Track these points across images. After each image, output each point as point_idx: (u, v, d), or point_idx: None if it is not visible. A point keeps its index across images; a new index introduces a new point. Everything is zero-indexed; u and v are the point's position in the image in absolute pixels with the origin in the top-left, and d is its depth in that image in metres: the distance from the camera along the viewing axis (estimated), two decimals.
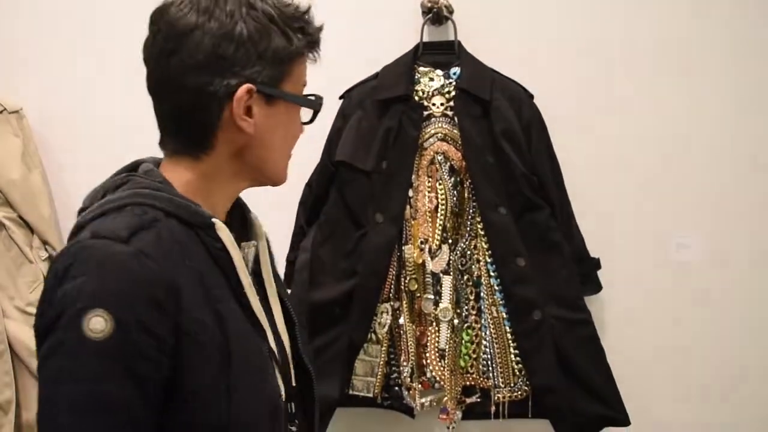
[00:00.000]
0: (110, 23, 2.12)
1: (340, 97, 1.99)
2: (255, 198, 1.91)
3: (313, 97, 0.99)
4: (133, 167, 0.94)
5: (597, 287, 2.00)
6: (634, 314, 2.05)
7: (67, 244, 0.85)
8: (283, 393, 0.95)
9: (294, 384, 1.00)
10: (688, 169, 2.03)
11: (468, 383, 1.95)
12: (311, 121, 1.00)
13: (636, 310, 2.06)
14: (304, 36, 0.94)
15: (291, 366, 1.00)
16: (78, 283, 0.78)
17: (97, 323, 0.77)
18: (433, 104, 1.93)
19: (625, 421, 1.88)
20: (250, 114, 0.91)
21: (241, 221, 1.02)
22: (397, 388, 1.95)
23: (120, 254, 0.80)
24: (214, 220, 0.89)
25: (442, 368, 1.89)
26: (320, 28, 0.97)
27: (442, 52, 1.97)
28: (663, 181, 2.04)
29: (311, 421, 1.06)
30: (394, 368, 1.95)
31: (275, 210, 1.97)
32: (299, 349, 1.03)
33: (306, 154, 1.92)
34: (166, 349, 0.80)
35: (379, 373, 1.92)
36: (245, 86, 0.89)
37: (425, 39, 1.98)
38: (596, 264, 2.00)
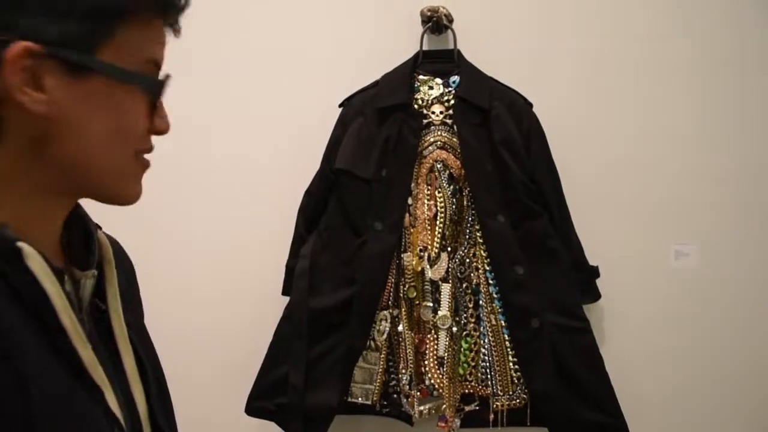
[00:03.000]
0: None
1: (340, 105, 2.00)
2: (252, 206, 1.92)
3: (154, 77, 0.71)
4: None
5: (596, 295, 2.01)
6: (633, 322, 2.06)
7: None
8: None
9: None
10: (687, 177, 2.04)
11: (466, 391, 1.96)
12: (154, 110, 0.72)
13: (635, 319, 2.07)
14: None
15: (146, 429, 0.76)
16: None
17: None
18: (433, 112, 1.94)
19: (623, 430, 1.88)
20: (41, 88, 0.64)
21: (86, 245, 0.76)
22: (395, 395, 1.96)
23: None
24: (20, 244, 0.63)
25: (440, 376, 1.90)
26: None
27: (441, 61, 1.98)
28: (662, 189, 2.05)
29: None
30: (392, 376, 1.96)
31: (274, 217, 2.08)
32: (154, 408, 0.78)
33: (306, 161, 2.00)
34: None
35: (378, 380, 1.93)
36: (22, 44, 0.61)
37: (425, 48, 2.00)
38: (595, 272, 2.01)
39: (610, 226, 2.04)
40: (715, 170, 2.04)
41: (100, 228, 0.81)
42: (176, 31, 0.72)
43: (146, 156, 0.74)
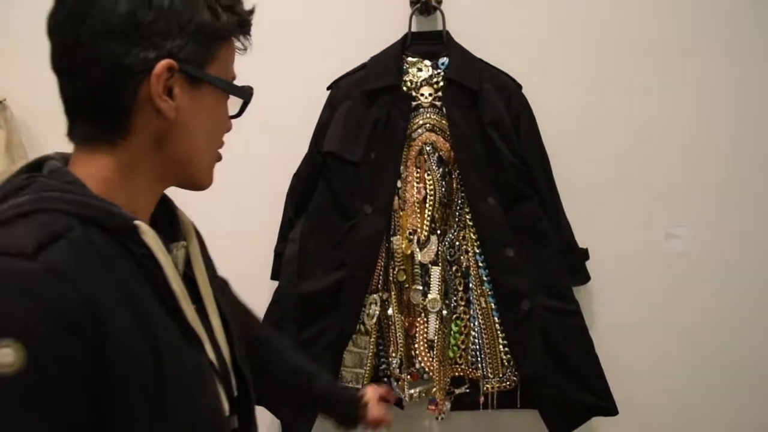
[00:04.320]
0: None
1: (328, 88, 1.97)
2: (241, 189, 1.88)
3: (246, 86, 0.88)
4: (36, 166, 0.81)
5: (585, 277, 2.00)
6: (623, 305, 2.05)
7: None
8: (226, 407, 0.87)
9: (236, 394, 0.91)
10: (678, 158, 2.03)
11: (457, 374, 1.95)
12: (239, 113, 0.88)
13: (624, 301, 2.06)
14: (233, 15, 0.83)
15: (232, 375, 0.90)
16: None
17: (5, 356, 0.64)
18: (422, 95, 1.92)
19: (613, 411, 1.88)
20: (170, 96, 0.79)
21: (168, 220, 0.90)
22: (386, 379, 1.95)
23: (23, 273, 0.67)
24: (137, 222, 0.77)
25: (430, 359, 1.89)
26: (251, 11, 0.87)
27: (430, 43, 1.95)
28: (653, 170, 2.03)
29: (248, 423, 0.95)
30: (382, 359, 1.95)
31: (262, 201, 2.06)
32: (236, 357, 0.92)
33: (294, 145, 1.97)
34: (87, 383, 0.68)
35: (368, 364, 1.92)
36: (165, 61, 0.77)
37: (413, 29, 1.97)
38: (585, 254, 2.00)
39: (600, 208, 2.03)
40: (707, 151, 2.02)
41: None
42: (245, 49, 0.88)
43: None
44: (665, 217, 2.05)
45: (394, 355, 1.91)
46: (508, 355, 1.88)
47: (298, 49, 2.07)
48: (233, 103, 0.87)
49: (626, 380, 1.99)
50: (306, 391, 1.25)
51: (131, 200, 0.80)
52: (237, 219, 2.08)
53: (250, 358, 0.99)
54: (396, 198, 1.90)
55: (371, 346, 1.92)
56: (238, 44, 0.87)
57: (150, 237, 0.78)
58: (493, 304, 1.89)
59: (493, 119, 1.86)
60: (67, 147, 0.85)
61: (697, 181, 2.04)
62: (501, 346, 1.88)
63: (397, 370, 1.91)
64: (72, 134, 0.82)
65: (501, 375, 1.89)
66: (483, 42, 1.97)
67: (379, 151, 1.88)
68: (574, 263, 1.97)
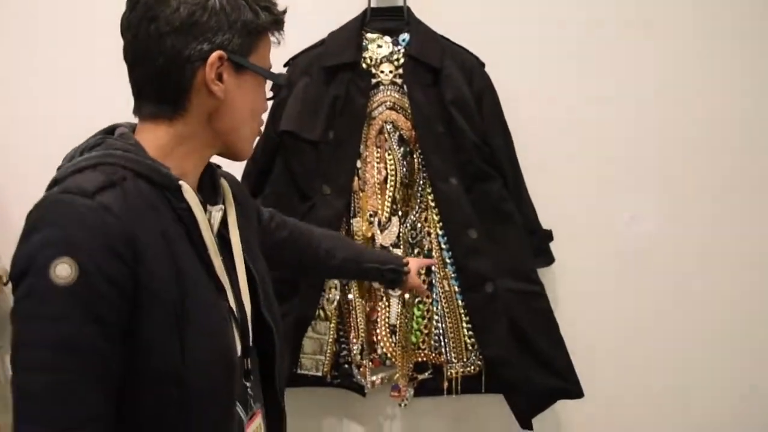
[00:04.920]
0: (71, 21, 1.97)
1: (285, 65, 1.90)
2: None
3: (281, 74, 1.07)
4: (110, 131, 1.01)
5: (550, 259, 1.97)
6: (588, 286, 2.03)
7: (41, 198, 0.90)
8: (239, 349, 1.01)
9: (251, 342, 1.06)
10: (643, 139, 2.00)
11: (420, 359, 1.91)
12: (274, 96, 1.07)
13: (589, 283, 2.04)
14: (270, 14, 1.01)
15: (249, 324, 1.06)
16: (46, 233, 0.86)
17: (63, 270, 0.83)
18: (382, 72, 1.86)
19: (578, 393, 1.86)
20: (221, 80, 0.97)
21: (213, 186, 1.07)
22: (347, 365, 1.90)
23: (83, 207, 0.86)
24: (181, 182, 0.96)
25: (393, 344, 1.85)
26: (284, 11, 1.05)
27: (390, 18, 1.89)
28: (617, 151, 2.01)
29: (272, 374, 1.13)
30: (343, 346, 1.90)
31: None
32: (261, 307, 1.09)
33: None
34: (125, 296, 0.87)
35: (328, 350, 1.87)
36: (217, 52, 0.95)
37: (373, 4, 1.90)
38: (548, 236, 1.97)
39: (564, 189, 2.00)
40: (673, 131, 2.00)
41: (219, 168, 1.13)
42: (278, 42, 1.06)
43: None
44: (631, 197, 2.03)
45: (355, 340, 1.87)
46: (472, 339, 1.84)
47: (274, 40, 1.98)
48: (269, 87, 1.06)
49: (591, 362, 1.97)
50: (357, 273, 1.62)
51: (181, 164, 0.98)
52: None
53: (311, 266, 1.47)
54: (356, 178, 1.85)
55: (331, 332, 1.87)
56: (273, 38, 1.04)
57: (190, 195, 0.97)
58: (456, 287, 1.85)
59: (454, 98, 1.81)
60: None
61: (664, 160, 2.02)
62: (465, 330, 1.85)
63: (359, 357, 1.86)
64: (139, 112, 1.00)
65: (465, 359, 1.85)
66: (445, 18, 1.92)
67: (338, 129, 1.82)
68: (538, 245, 1.95)
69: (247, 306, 1.06)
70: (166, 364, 0.90)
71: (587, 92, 2.00)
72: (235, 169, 1.86)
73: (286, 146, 1.85)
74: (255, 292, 1.09)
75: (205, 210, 1.00)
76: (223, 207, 1.06)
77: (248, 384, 1.06)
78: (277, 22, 1.03)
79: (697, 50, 2.00)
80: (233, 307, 1.02)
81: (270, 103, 1.10)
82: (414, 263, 1.59)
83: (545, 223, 1.97)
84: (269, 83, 1.07)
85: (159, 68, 0.96)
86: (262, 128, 1.10)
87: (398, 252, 1.84)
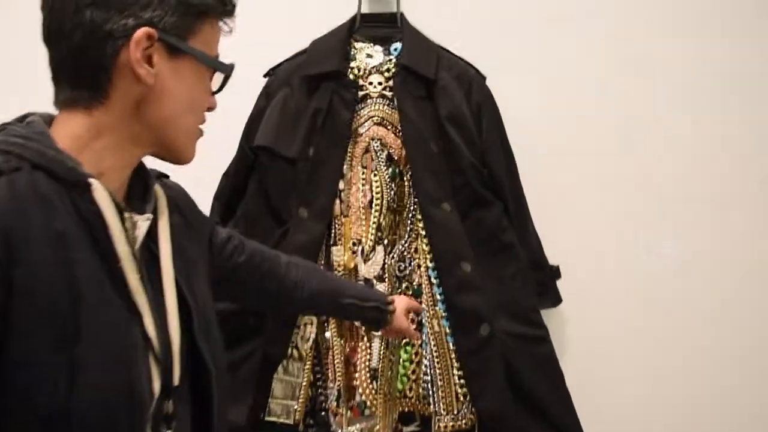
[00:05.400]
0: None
1: (265, 75, 1.76)
2: None
3: (227, 62, 0.94)
4: (21, 119, 0.90)
5: (556, 299, 1.79)
6: (599, 331, 1.85)
7: None
8: (157, 388, 0.87)
9: (179, 382, 0.90)
10: (663, 166, 1.85)
11: (405, 409, 1.70)
12: (220, 88, 0.95)
13: (601, 327, 1.85)
14: None
15: (176, 361, 0.90)
16: None
17: None
18: (370, 83, 1.70)
19: None
20: (150, 63, 0.86)
21: (143, 191, 0.94)
22: (323, 413, 1.70)
23: None
24: (91, 180, 0.83)
25: (373, 391, 1.64)
26: None
27: (382, 26, 1.74)
28: (632, 178, 1.85)
29: (208, 424, 0.96)
30: (320, 390, 1.70)
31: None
32: (196, 340, 0.94)
33: (224, 140, 1.72)
34: None
35: (302, 395, 1.67)
36: (145, 29, 0.84)
37: (364, 10, 1.76)
38: (555, 272, 1.79)
39: (574, 219, 1.84)
40: (695, 155, 1.84)
41: (166, 177, 1.02)
42: (230, 30, 0.94)
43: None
44: (648, 230, 1.86)
45: (331, 385, 1.67)
46: (464, 389, 1.63)
47: (234, 32, 1.82)
48: (217, 81, 0.94)
49: (603, 422, 1.77)
50: (332, 310, 1.43)
51: (98, 160, 0.86)
52: None
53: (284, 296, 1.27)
54: (337, 201, 1.67)
55: (306, 374, 1.67)
56: (223, 26, 0.93)
57: (101, 196, 0.83)
58: (447, 328, 1.64)
59: (450, 113, 1.65)
60: None
61: (684, 188, 1.85)
62: (456, 378, 1.64)
63: (335, 404, 1.66)
64: (57, 100, 0.89)
65: (456, 411, 1.64)
66: (442, 27, 1.78)
67: (319, 146, 1.65)
68: (543, 282, 1.77)
69: (174, 337, 0.91)
70: (48, 395, 0.76)
71: (603, 113, 1.84)
72: (209, 187, 1.76)
73: (261, 164, 1.70)
74: (189, 321, 0.94)
75: (123, 217, 0.86)
76: (151, 217, 0.91)
77: None
78: (223, 2, 0.92)
79: (720, 66, 1.84)
80: (152, 335, 0.87)
81: (217, 99, 0.97)
82: (401, 303, 1.44)
83: (552, 257, 1.80)
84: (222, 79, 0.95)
85: (75, 45, 0.84)
86: (203, 126, 0.95)
87: (383, 287, 1.65)
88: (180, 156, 0.93)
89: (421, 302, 1.66)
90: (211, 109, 0.95)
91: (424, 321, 1.66)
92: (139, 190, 0.94)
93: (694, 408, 1.85)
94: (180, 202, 1.01)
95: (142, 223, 0.89)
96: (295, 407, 1.66)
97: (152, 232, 0.91)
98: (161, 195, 0.96)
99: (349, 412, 1.66)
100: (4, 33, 1.87)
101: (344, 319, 1.62)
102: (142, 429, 0.84)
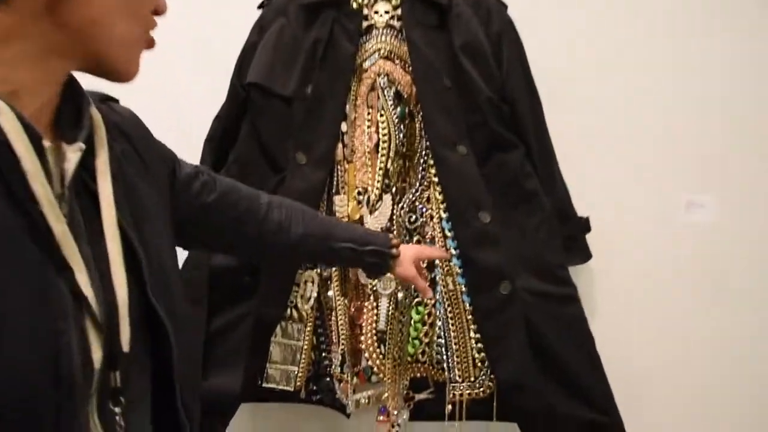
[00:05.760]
0: None
1: (259, 6, 1.59)
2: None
3: None
4: None
5: (585, 255, 1.62)
6: (632, 290, 1.70)
7: None
8: (97, 359, 0.70)
9: (127, 349, 0.73)
10: (707, 111, 1.68)
11: (418, 374, 1.55)
12: None
13: (634, 286, 1.71)
14: None
15: (124, 323, 0.73)
16: None
17: None
18: (376, 12, 1.51)
19: (618, 429, 1.46)
20: None
21: (76, 117, 0.76)
22: (327, 379, 1.57)
23: None
24: None
25: (380, 356, 1.49)
26: None
27: None
28: (671, 127, 1.68)
29: (170, 393, 0.81)
30: (324, 354, 1.57)
31: (180, 151, 1.61)
32: (149, 296, 0.77)
33: (220, 80, 1.57)
34: None
35: (303, 359, 1.53)
36: None
37: None
38: (584, 225, 1.61)
39: (604, 167, 1.70)
40: (736, 107, 1.68)
41: (113, 101, 0.86)
42: None
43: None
44: (686, 180, 1.70)
45: (335, 349, 1.53)
46: (482, 354, 1.46)
47: None
48: None
49: (636, 389, 1.63)
50: (325, 255, 1.21)
51: (7, 73, 0.68)
52: None
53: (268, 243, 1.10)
54: (340, 145, 1.51)
55: (307, 337, 1.52)
56: None
57: (7, 119, 0.65)
58: (463, 286, 1.48)
59: (466, 42, 1.46)
60: None
61: (728, 139, 1.68)
62: (473, 342, 1.47)
63: (339, 369, 1.52)
64: None
65: (473, 379, 1.48)
66: None
67: (319, 83, 1.48)
68: (571, 236, 1.59)
69: (120, 294, 0.74)
70: None
71: (640, 55, 1.67)
72: (200, 133, 1.60)
73: (254, 104, 1.52)
74: (140, 274, 0.77)
75: (44, 146, 0.67)
76: (83, 147, 0.73)
77: (117, 410, 0.73)
78: None
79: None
80: (88, 294, 0.69)
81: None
82: (410, 250, 1.27)
83: (580, 208, 1.62)
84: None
85: None
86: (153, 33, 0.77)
87: None
88: (116, 70, 0.74)
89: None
90: (159, 12, 0.76)
91: (437, 278, 1.50)
92: (71, 115, 0.76)
93: (730, 371, 1.70)
94: (130, 129, 0.84)
95: (72, 154, 0.71)
96: (296, 372, 1.53)
97: (90, 167, 0.75)
98: (99, 122, 0.78)
99: (354, 378, 1.53)
100: None
101: (342, 266, 1.47)
102: (73, 409, 0.68)
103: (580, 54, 1.65)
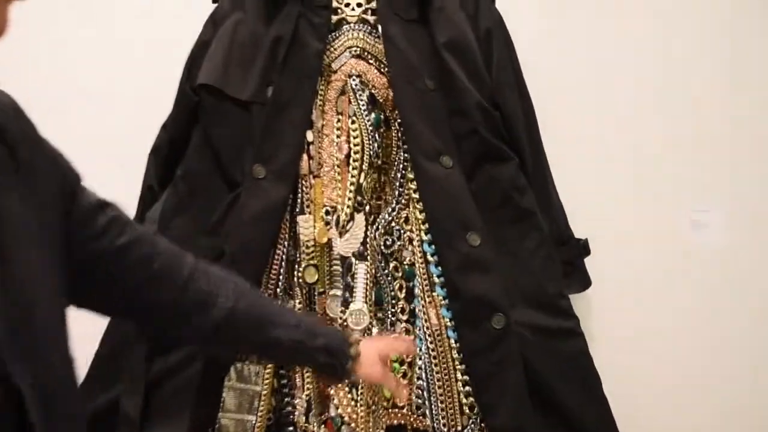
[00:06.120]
0: None
1: (214, 0, 1.45)
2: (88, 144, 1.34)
3: None
4: None
5: (584, 282, 1.48)
6: (635, 320, 1.59)
7: None
8: None
9: None
10: (707, 126, 1.62)
11: (395, 422, 1.36)
12: None
13: (637, 315, 1.60)
14: None
15: None
16: None
17: None
18: (347, 4, 1.40)
19: None
20: None
21: None
22: (291, 428, 1.37)
23: None
24: None
25: (353, 402, 1.31)
26: None
27: None
28: (675, 139, 1.61)
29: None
30: (287, 400, 1.37)
31: (120, 166, 1.50)
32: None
33: (170, 83, 1.43)
34: None
35: (261, 407, 1.33)
36: None
37: None
38: (583, 248, 1.47)
39: (603, 185, 1.60)
40: (744, 119, 1.62)
41: None
42: None
43: None
44: (693, 198, 1.64)
45: (299, 395, 1.34)
46: (471, 399, 1.29)
47: None
48: None
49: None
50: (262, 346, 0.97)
51: None
52: None
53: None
54: (305, 157, 1.35)
55: (266, 381, 1.34)
56: None
57: None
58: (448, 320, 1.31)
59: (451, 39, 1.36)
60: None
61: (736, 153, 1.62)
62: (460, 385, 1.30)
63: (303, 418, 1.32)
64: None
65: (460, 428, 1.30)
66: None
67: (281, 85, 1.35)
68: (568, 260, 1.45)
69: None
70: None
71: (638, 59, 1.61)
72: (146, 142, 1.42)
73: (206, 109, 1.38)
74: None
75: None
76: None
77: None
78: None
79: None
80: None
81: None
82: (374, 346, 1.05)
83: (577, 231, 1.49)
84: None
85: None
86: None
87: (363, 267, 1.31)
88: None
89: (414, 287, 1.34)
90: None
91: (418, 311, 1.33)
92: None
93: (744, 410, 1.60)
94: (5, 122, 0.68)
95: None
96: (254, 422, 1.33)
97: None
98: None
99: (322, 428, 1.33)
100: None
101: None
102: None
103: (575, 56, 1.58)
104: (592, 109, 1.59)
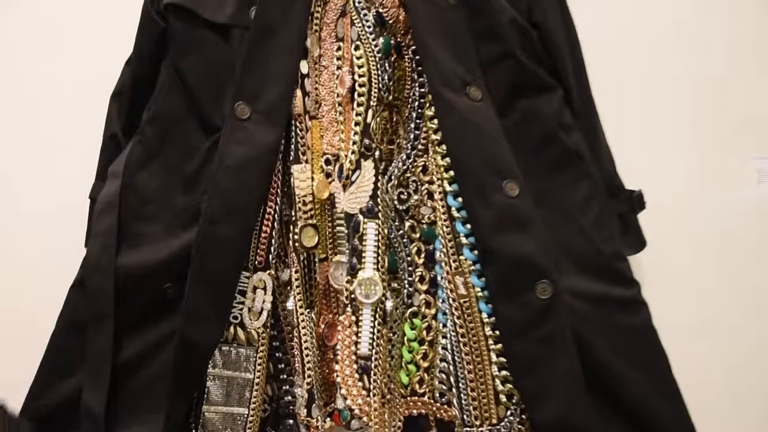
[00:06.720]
0: None
1: None
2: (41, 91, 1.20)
3: None
4: None
5: (639, 242, 1.20)
6: (696, 285, 1.33)
7: None
8: None
9: None
10: None
11: (414, 412, 1.13)
12: None
13: (698, 279, 1.33)
14: None
15: None
16: None
17: None
18: None
19: None
20: None
21: None
22: (291, 421, 1.16)
23: None
24: None
25: (364, 392, 1.07)
26: None
27: None
28: (740, 82, 1.34)
29: None
30: (284, 388, 1.15)
31: (76, 115, 1.31)
32: None
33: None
34: None
35: (255, 398, 1.10)
36: None
37: None
38: (637, 200, 1.19)
39: (657, 128, 1.34)
40: None
41: None
42: None
43: None
44: (760, 145, 1.36)
45: (299, 382, 1.11)
46: (509, 386, 1.03)
47: None
48: None
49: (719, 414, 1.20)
50: None
51: None
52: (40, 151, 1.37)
53: None
54: (298, 93, 1.08)
55: (260, 366, 1.10)
56: None
57: None
58: (479, 290, 1.04)
59: None
60: None
61: None
62: (495, 368, 1.04)
63: (304, 409, 1.09)
64: None
65: (495, 420, 1.04)
66: None
67: (267, 5, 1.07)
68: (621, 216, 1.17)
69: None
70: None
71: None
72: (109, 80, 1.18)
73: (175, 38, 1.11)
74: None
75: None
76: None
77: None
78: None
79: None
80: None
81: None
82: None
83: (628, 181, 1.22)
84: None
85: None
86: None
87: (373, 227, 1.06)
88: None
89: (435, 250, 1.09)
90: None
91: (440, 279, 1.07)
92: None
93: None
94: None
95: None
96: (246, 416, 1.10)
97: None
98: None
99: (327, 421, 1.11)
100: None
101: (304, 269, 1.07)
102: None
103: None
104: (645, 40, 1.33)
